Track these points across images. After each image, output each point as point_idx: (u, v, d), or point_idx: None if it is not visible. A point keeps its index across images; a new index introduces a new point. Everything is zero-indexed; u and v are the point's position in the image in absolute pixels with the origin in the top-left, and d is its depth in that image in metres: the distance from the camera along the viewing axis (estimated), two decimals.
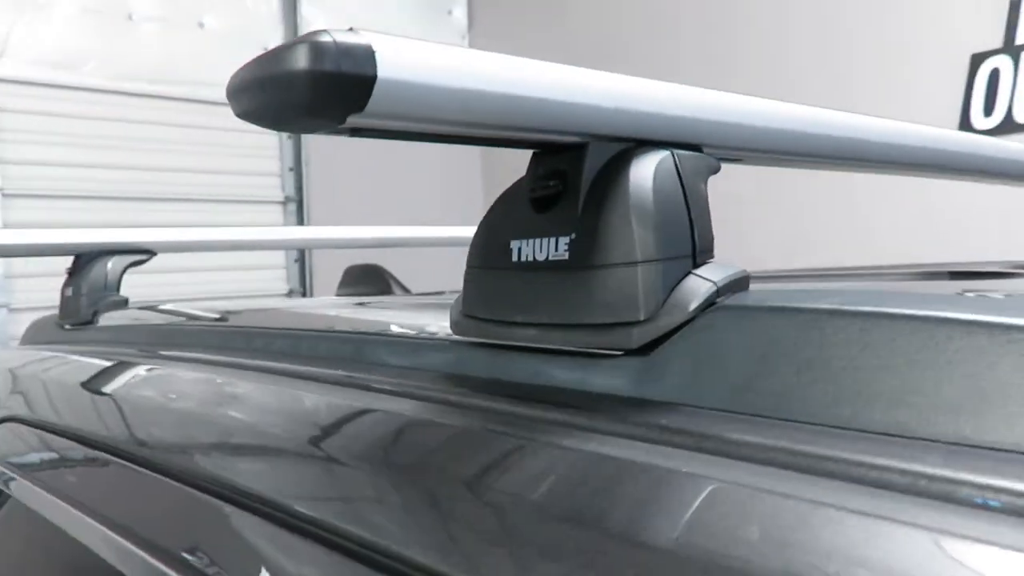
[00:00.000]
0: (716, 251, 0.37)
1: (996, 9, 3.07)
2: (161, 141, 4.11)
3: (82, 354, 0.82)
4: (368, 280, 1.55)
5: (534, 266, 0.38)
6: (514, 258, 0.39)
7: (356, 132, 0.31)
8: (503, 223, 0.40)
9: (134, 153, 4.03)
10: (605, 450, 0.30)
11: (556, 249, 0.37)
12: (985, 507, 0.22)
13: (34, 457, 0.66)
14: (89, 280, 1.00)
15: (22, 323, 3.83)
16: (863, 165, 0.49)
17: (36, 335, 1.16)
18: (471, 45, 5.25)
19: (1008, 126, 3.05)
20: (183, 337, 0.76)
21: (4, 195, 3.74)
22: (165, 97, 4.11)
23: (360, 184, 4.68)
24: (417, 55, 0.29)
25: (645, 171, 0.36)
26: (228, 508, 0.39)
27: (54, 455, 0.64)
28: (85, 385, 0.70)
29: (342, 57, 0.28)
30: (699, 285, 0.34)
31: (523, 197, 0.39)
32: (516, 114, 0.33)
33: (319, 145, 4.54)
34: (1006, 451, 0.24)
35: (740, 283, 0.36)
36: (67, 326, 1.04)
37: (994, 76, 3.08)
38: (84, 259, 1.02)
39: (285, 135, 4.53)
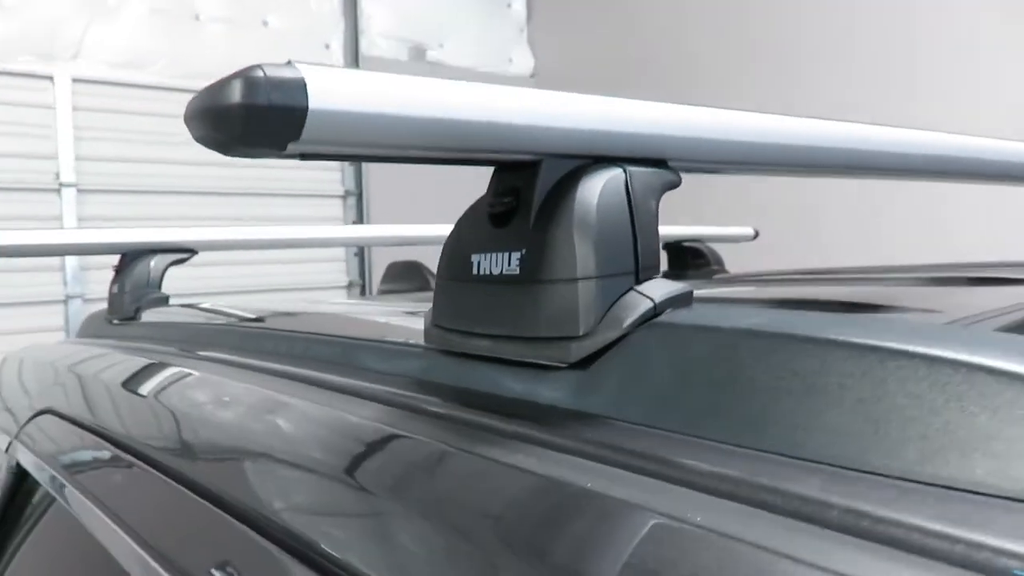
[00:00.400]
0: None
1: None
2: None
3: (119, 350, 0.87)
4: (408, 276, 1.58)
5: (490, 279, 0.40)
6: (474, 271, 0.41)
7: (304, 156, 0.33)
8: (466, 237, 0.42)
9: (201, 149, 4.15)
10: (531, 462, 0.32)
11: (509, 264, 0.39)
12: (851, 531, 0.23)
13: (65, 451, 0.70)
14: (133, 278, 1.05)
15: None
16: (823, 171, 0.49)
17: (88, 329, 1.22)
18: (530, 38, 5.26)
19: None
20: (216, 337, 0.80)
21: (79, 190, 3.91)
22: None
23: (420, 177, 4.74)
24: (348, 85, 0.31)
25: (592, 188, 0.37)
26: (244, 514, 0.42)
27: (85, 450, 0.68)
28: (118, 382, 0.74)
29: (273, 90, 0.29)
30: (637, 302, 0.35)
31: (482, 213, 0.41)
32: (447, 136, 0.34)
33: None
34: (886, 477, 0.25)
35: (682, 299, 0.37)
36: (114, 321, 1.10)
37: None
38: (129, 257, 1.07)
39: None
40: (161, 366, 0.75)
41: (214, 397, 0.61)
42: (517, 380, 0.38)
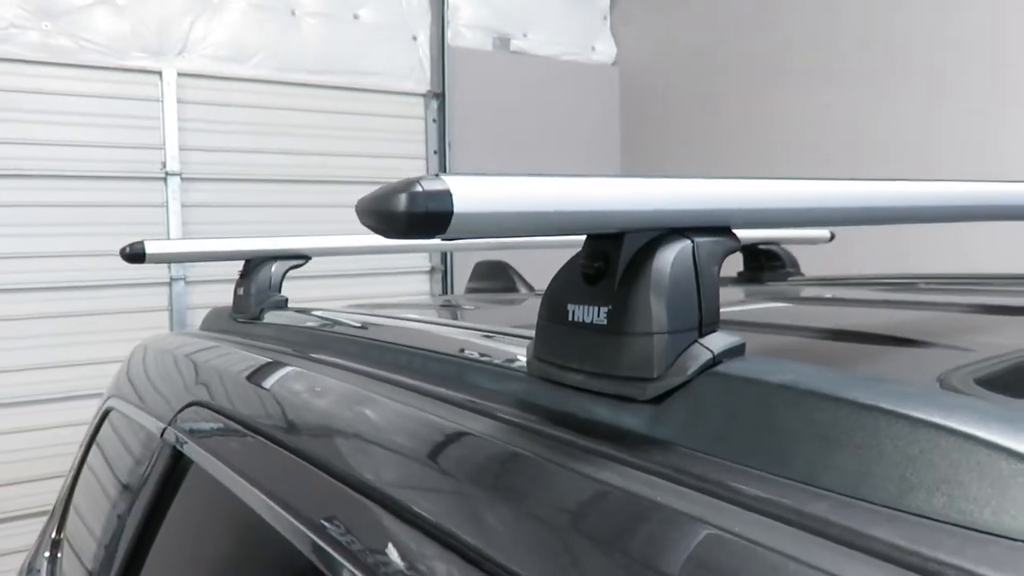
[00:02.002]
0: None
1: None
2: (320, 127, 4.43)
3: (253, 349, 1.00)
4: (495, 276, 1.69)
5: (583, 326, 0.50)
6: (569, 318, 0.51)
7: (447, 238, 0.43)
8: (563, 289, 0.52)
9: (296, 139, 4.37)
10: (610, 476, 0.42)
11: (598, 315, 0.49)
12: (845, 542, 0.32)
13: (214, 438, 0.83)
14: (257, 282, 1.19)
15: (196, 293, 4.27)
16: (843, 222, 0.58)
17: (213, 323, 1.37)
18: (612, 26, 5.29)
19: None
20: (335, 343, 0.93)
21: (183, 179, 4.16)
22: (325, 86, 4.42)
23: (501, 167, 4.85)
24: (483, 191, 0.41)
25: (665, 258, 0.47)
26: (352, 494, 0.53)
27: (232, 438, 0.81)
28: (257, 380, 0.87)
29: (429, 200, 0.40)
30: (700, 353, 0.45)
31: (576, 271, 0.51)
32: (558, 225, 0.44)
33: (462, 130, 4.74)
34: (873, 504, 0.34)
35: (737, 350, 0.46)
36: (239, 320, 1.24)
37: None
38: (253, 263, 1.21)
39: (431, 119, 4.76)
40: (291, 367, 0.88)
41: (341, 398, 0.73)
42: (604, 409, 0.49)
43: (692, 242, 0.48)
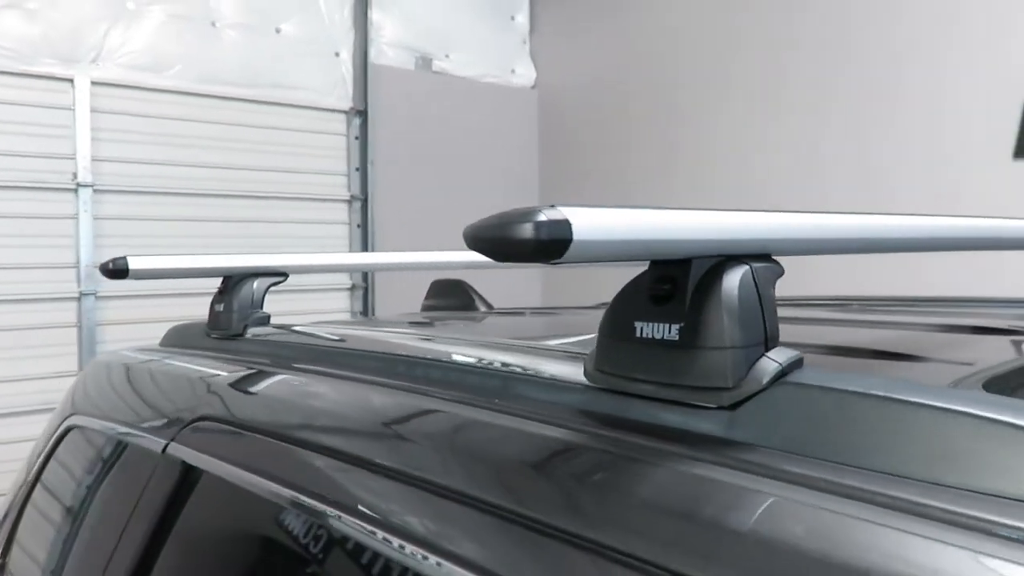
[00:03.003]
0: None
1: None
2: (240, 141, 4.37)
3: (251, 364, 1.02)
4: (452, 294, 1.73)
5: (652, 342, 0.55)
6: (637, 334, 0.56)
7: (558, 263, 0.48)
8: (628, 308, 0.58)
9: (215, 152, 4.29)
10: (702, 471, 0.48)
11: (669, 332, 0.54)
12: (898, 509, 0.40)
13: (236, 450, 0.85)
14: (239, 298, 1.19)
15: (110, 309, 4.11)
16: (874, 250, 0.67)
17: (182, 340, 1.36)
18: (532, 50, 5.41)
19: None
20: (342, 356, 0.95)
21: (96, 190, 4.02)
22: (245, 100, 4.36)
23: (424, 184, 4.89)
24: (596, 222, 0.47)
25: (732, 280, 0.53)
26: (434, 498, 0.57)
27: (255, 448, 0.83)
28: (274, 394, 0.89)
29: (552, 229, 0.45)
30: (769, 365, 0.52)
31: (643, 291, 0.57)
32: (653, 251, 0.50)
33: (384, 148, 4.75)
34: (919, 480, 0.42)
35: (798, 362, 0.53)
36: (216, 336, 1.24)
37: None
38: (234, 280, 1.22)
39: (353, 136, 4.75)
40: (307, 381, 0.91)
41: (386, 410, 0.76)
42: (674, 415, 0.54)
43: (751, 267, 0.54)
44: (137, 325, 4.10)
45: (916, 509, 0.41)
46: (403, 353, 0.90)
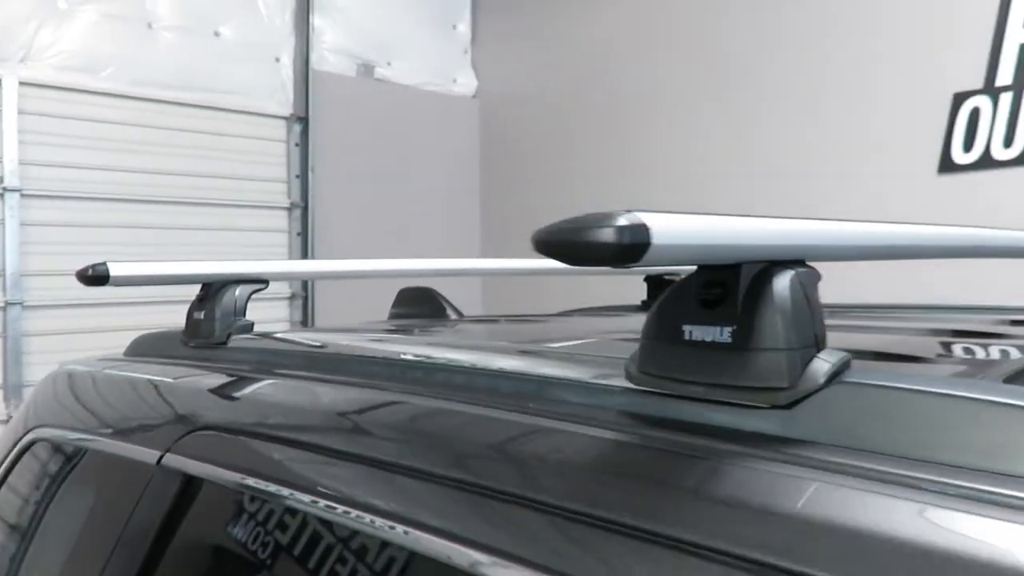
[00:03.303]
0: None
1: (977, 52, 3.31)
2: (175, 145, 4.25)
3: (243, 372, 1.00)
4: (420, 302, 1.72)
5: (701, 344, 0.57)
6: (685, 337, 0.58)
7: (633, 267, 0.49)
8: (674, 312, 0.59)
9: (150, 157, 4.17)
10: (770, 467, 0.50)
11: (721, 335, 0.56)
12: (947, 494, 0.43)
13: (244, 458, 0.83)
14: (222, 306, 1.17)
15: (34, 319, 3.94)
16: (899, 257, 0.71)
17: (153, 349, 1.32)
18: (474, 59, 5.43)
19: (986, 162, 3.29)
20: (348, 363, 0.95)
21: (23, 195, 3.86)
22: (181, 103, 4.25)
23: (363, 193, 4.85)
24: (671, 227, 0.48)
25: (782, 285, 0.55)
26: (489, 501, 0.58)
27: (263, 456, 0.81)
28: (277, 401, 0.88)
29: (631, 233, 0.46)
30: (823, 365, 0.54)
31: (688, 297, 0.58)
32: (718, 255, 0.52)
33: (325, 155, 4.70)
34: (960, 467, 0.46)
35: (846, 363, 0.55)
36: (195, 344, 1.21)
37: (974, 115, 3.32)
38: (215, 287, 1.19)
39: (293, 142, 4.68)
40: (312, 387, 0.90)
41: (403, 416, 0.76)
42: (726, 415, 0.56)
43: (796, 272, 0.56)
44: (67, 336, 3.95)
45: (978, 496, 0.44)
46: (423, 358, 0.90)
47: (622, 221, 0.47)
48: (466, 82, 5.36)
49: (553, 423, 0.63)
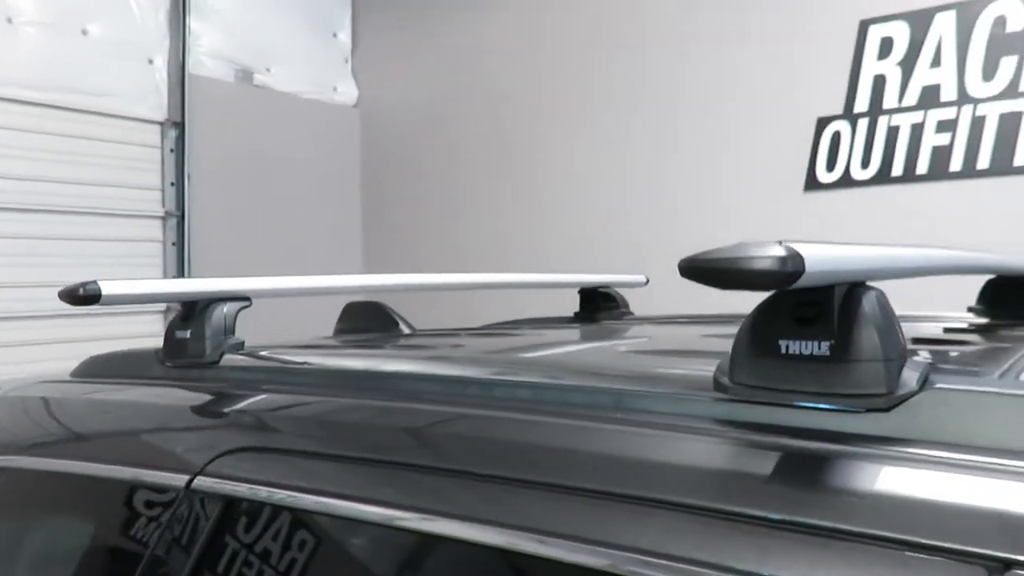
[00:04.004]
0: None
1: (838, 80, 3.64)
2: (40, 150, 3.98)
3: (278, 392, 0.99)
4: (370, 317, 1.73)
5: (799, 357, 0.65)
6: (781, 351, 0.65)
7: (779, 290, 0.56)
8: (769, 329, 0.66)
9: (9, 161, 3.88)
10: (876, 460, 0.58)
11: (819, 348, 0.64)
12: None
13: (292, 477, 0.83)
14: (212, 324, 1.14)
15: None
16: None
17: (120, 370, 1.26)
18: (354, 68, 5.38)
19: (846, 181, 3.62)
20: (346, 376, 0.96)
21: None
22: (44, 104, 3.98)
23: (242, 202, 4.71)
24: (818, 256, 0.55)
25: (872, 304, 0.64)
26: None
27: (311, 474, 0.82)
28: (320, 419, 0.88)
29: (793, 262, 0.53)
30: (913, 373, 0.63)
31: (783, 315, 0.66)
32: (843, 277, 0.60)
33: (202, 162, 4.52)
34: None
35: (930, 370, 0.64)
36: (174, 364, 1.18)
37: (835, 137, 3.64)
38: (201, 305, 1.16)
39: (168, 148, 4.48)
40: (339, 404, 0.91)
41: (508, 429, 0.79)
42: (829, 419, 0.64)
43: (878, 292, 0.65)
44: None
45: None
46: (484, 372, 0.93)
47: (781, 251, 0.53)
48: (347, 91, 5.31)
49: (663, 432, 0.68)
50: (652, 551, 0.56)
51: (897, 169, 3.50)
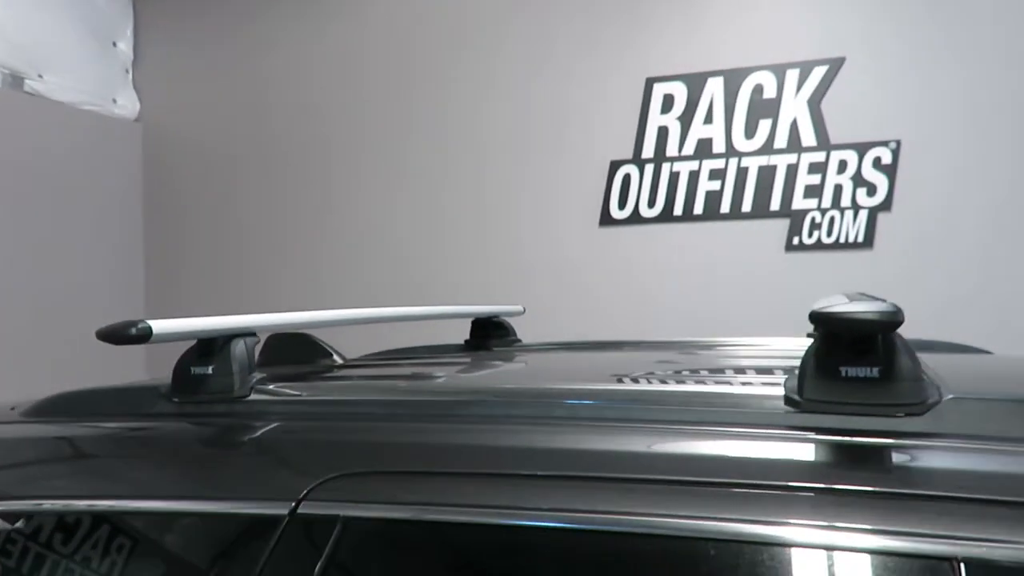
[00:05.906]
0: None
1: (628, 129, 4.13)
2: None
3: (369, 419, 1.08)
4: (296, 349, 1.76)
5: (856, 379, 0.90)
6: (843, 374, 0.91)
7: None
8: (831, 358, 0.91)
9: None
10: (911, 450, 0.85)
11: (871, 372, 0.90)
12: None
13: (401, 498, 0.94)
14: (238, 359, 1.19)
15: None
16: None
17: (120, 409, 1.25)
18: (135, 80, 5.10)
19: (636, 218, 4.10)
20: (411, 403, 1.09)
21: None
22: None
23: (8, 216, 4.28)
24: (903, 306, 0.81)
25: (901, 340, 0.91)
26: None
27: (416, 495, 0.94)
28: (411, 443, 1.01)
29: (895, 314, 0.78)
30: (934, 388, 0.91)
31: (840, 348, 0.91)
32: (872, 329, 0.86)
33: None
34: None
35: (940, 386, 0.93)
36: (179, 400, 1.20)
37: (626, 179, 4.12)
38: (220, 341, 1.20)
39: None
40: (434, 427, 1.04)
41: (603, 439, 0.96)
42: (880, 423, 0.90)
43: (898, 332, 0.92)
44: None
45: None
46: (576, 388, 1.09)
47: (885, 306, 0.79)
48: (128, 104, 5.00)
49: (763, 439, 0.90)
50: (775, 522, 0.78)
51: (678, 209, 4.04)
